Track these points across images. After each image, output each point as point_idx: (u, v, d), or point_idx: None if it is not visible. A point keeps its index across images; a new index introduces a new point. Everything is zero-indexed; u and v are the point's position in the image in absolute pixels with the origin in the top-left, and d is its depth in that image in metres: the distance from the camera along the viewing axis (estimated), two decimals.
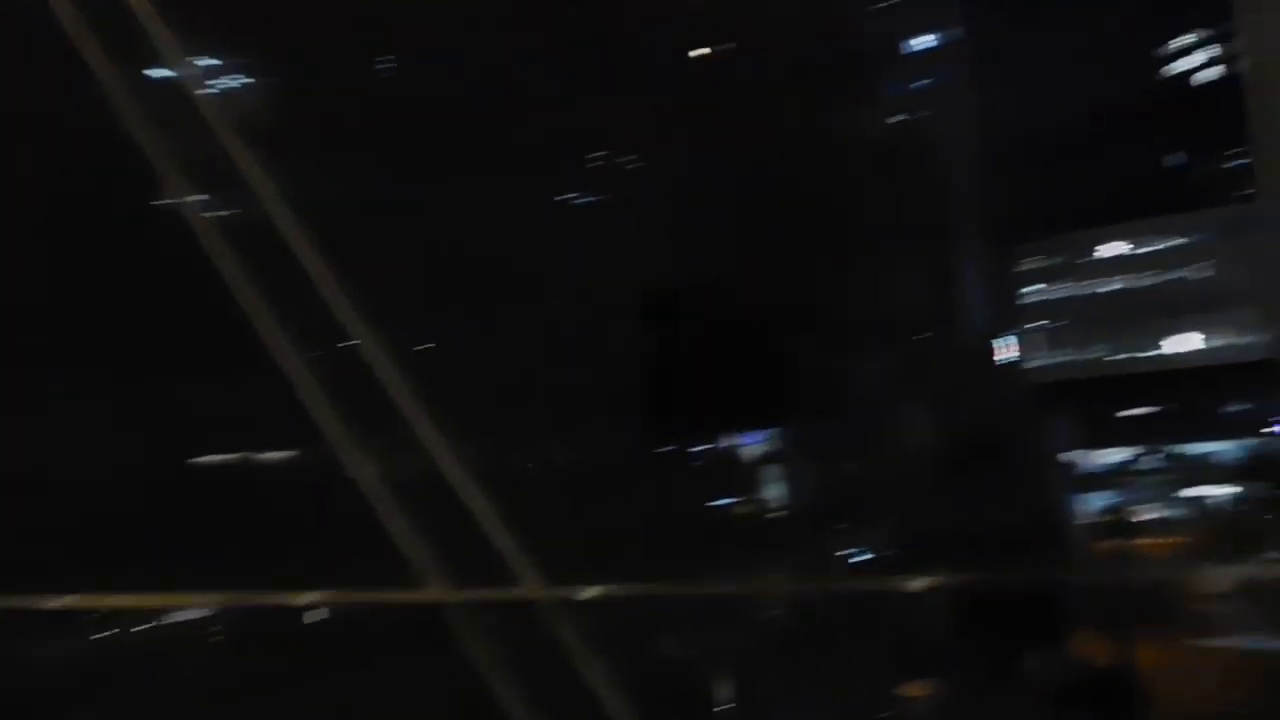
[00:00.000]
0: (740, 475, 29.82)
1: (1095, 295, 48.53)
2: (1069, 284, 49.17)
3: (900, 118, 45.05)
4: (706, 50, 35.47)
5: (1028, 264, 48.84)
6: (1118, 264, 49.14)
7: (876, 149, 35.76)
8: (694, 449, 29.80)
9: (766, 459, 30.85)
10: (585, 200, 33.41)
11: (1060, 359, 47.40)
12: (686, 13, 35.51)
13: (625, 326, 28.03)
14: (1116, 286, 48.56)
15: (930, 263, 35.35)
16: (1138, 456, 42.96)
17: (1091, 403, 42.25)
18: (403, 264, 24.24)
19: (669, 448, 28.46)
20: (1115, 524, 36.18)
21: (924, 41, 50.60)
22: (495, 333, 25.79)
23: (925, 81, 48.67)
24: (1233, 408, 42.94)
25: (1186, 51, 54.80)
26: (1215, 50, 55.73)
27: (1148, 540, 35.61)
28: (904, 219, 33.86)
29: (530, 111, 29.64)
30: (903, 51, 48.70)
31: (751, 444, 30.90)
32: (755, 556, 26.18)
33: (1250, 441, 40.01)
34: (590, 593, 4.71)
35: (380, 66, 31.42)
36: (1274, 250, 41.38)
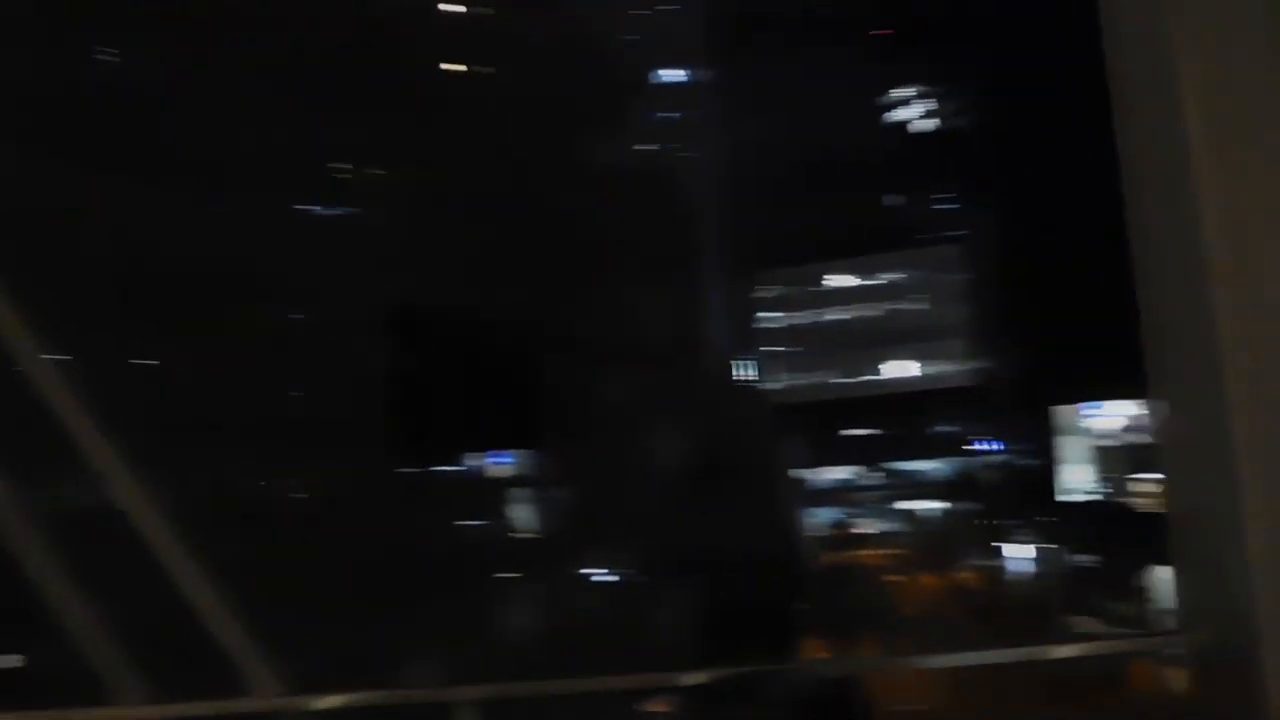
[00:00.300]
0: (487, 497, 29.48)
1: (824, 323, 51.73)
2: (801, 312, 52.15)
3: (649, 148, 46.34)
4: (461, 67, 35.08)
5: (764, 292, 51.41)
6: (844, 295, 52.63)
7: (626, 176, 36.48)
8: (441, 470, 29.19)
9: (515, 481, 30.67)
10: (328, 213, 32.09)
11: (792, 382, 50.10)
12: (441, 29, 35.00)
13: (370, 345, 27.11)
14: (843, 316, 51.97)
15: (676, 288, 36.37)
16: (860, 474, 46.08)
17: (820, 423, 44.95)
18: (106, 276, 22.23)
19: (415, 469, 27.72)
20: (840, 537, 38.53)
21: (672, 76, 52.41)
22: (223, 351, 24.16)
23: (673, 115, 50.39)
24: (942, 429, 46.88)
25: (906, 102, 59.63)
26: (932, 103, 60.96)
27: (868, 552, 38.18)
28: (651, 245, 34.67)
29: (270, 119, 28.19)
30: (652, 84, 50.22)
31: (500, 465, 30.66)
32: (502, 578, 25.92)
33: (956, 460, 43.77)
34: (331, 702, 3.80)
35: (102, 59, 28.94)
36: (976, 286, 45.42)
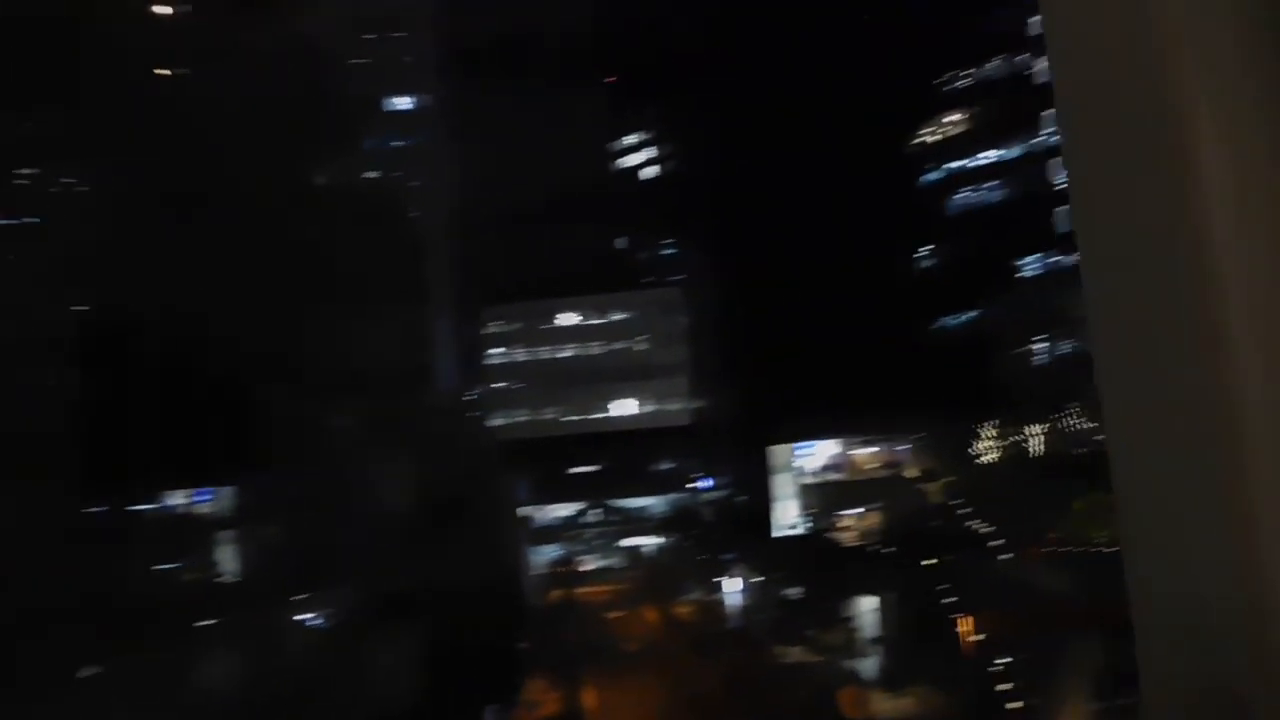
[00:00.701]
0: (191, 537, 27.02)
1: (551, 360, 51.98)
2: (528, 348, 52.15)
3: (376, 174, 44.97)
4: (167, 72, 32.50)
5: (493, 327, 51.04)
6: (571, 333, 53.19)
7: (353, 200, 35.02)
8: (136, 508, 26.39)
9: (221, 519, 28.34)
10: (9, 221, 28.67)
11: (519, 419, 49.86)
12: (149, 31, 32.31)
13: (55, 367, 24.22)
14: (569, 353, 52.47)
15: (402, 319, 35.19)
16: (584, 511, 46.45)
17: (546, 460, 44.96)
18: None
19: (105, 507, 24.85)
20: (564, 574, 38.48)
21: (403, 103, 51.27)
22: None
23: (401, 142, 49.23)
24: (663, 467, 48.18)
25: (639, 148, 61.48)
26: (661, 150, 63.15)
27: (591, 588, 38.35)
28: (377, 273, 33.38)
29: None
30: (380, 109, 48.86)
31: (204, 502, 28.20)
32: (206, 628, 23.72)
33: (676, 496, 45.02)
34: None
35: None
36: (697, 328, 46.97)
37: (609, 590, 37.69)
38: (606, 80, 65.17)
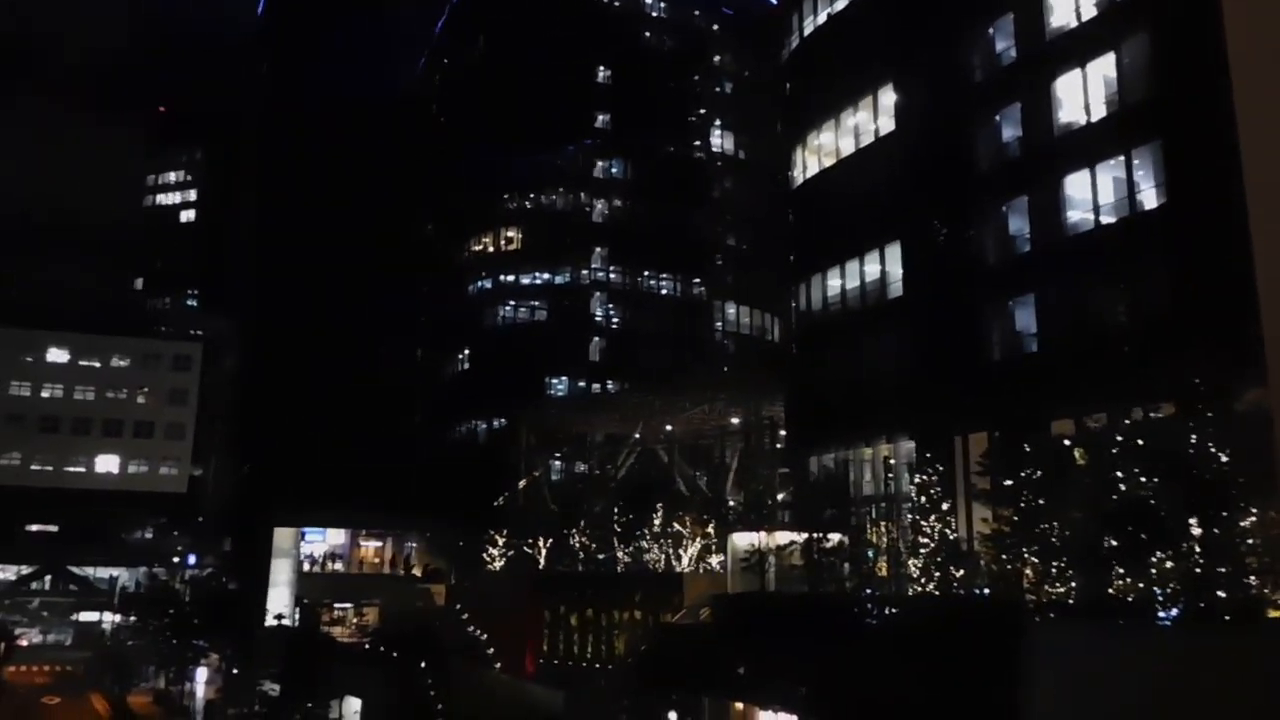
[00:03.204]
0: None
1: (25, 398, 45.10)
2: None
3: None
4: None
5: None
6: (55, 371, 46.71)
7: None
8: None
9: None
10: None
11: None
12: None
13: None
14: (52, 394, 45.95)
15: None
16: (33, 575, 39.87)
17: None
18: None
19: None
20: None
21: None
22: None
23: None
24: (143, 535, 42.97)
25: (184, 187, 56.59)
26: (199, 195, 58.74)
27: (27, 667, 32.75)
28: None
29: None
30: None
31: None
32: None
33: (153, 570, 40.13)
34: None
35: None
36: (211, 390, 42.81)
37: (50, 671, 32.54)
38: (159, 109, 60.03)
